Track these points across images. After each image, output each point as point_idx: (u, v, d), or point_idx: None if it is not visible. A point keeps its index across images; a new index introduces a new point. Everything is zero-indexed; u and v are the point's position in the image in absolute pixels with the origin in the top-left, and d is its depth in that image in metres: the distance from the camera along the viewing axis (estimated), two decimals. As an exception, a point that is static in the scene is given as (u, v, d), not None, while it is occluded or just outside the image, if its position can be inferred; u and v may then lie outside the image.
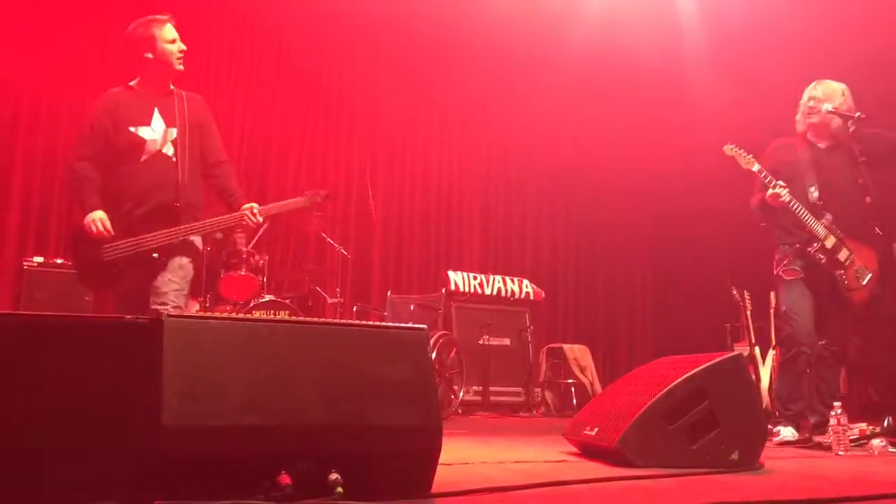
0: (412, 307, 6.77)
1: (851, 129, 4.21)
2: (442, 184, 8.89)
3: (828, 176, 4.36)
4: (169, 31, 3.76)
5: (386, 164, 8.41)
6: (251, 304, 5.75)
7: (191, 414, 1.75)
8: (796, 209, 4.23)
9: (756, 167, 4.29)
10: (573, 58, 8.66)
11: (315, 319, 2.80)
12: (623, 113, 9.18)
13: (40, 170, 6.54)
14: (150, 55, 3.71)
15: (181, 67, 3.78)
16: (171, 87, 3.83)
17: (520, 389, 7.14)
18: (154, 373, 1.75)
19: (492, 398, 6.93)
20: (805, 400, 4.32)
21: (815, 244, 4.28)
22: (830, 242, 4.28)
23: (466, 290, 7.14)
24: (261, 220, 3.84)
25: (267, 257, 6.32)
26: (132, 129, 3.68)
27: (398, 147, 8.61)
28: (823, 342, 4.36)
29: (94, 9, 6.94)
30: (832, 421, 3.66)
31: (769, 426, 3.90)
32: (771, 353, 6.24)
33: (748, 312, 6.54)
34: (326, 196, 4.30)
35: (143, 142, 3.68)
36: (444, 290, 7.01)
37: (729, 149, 4.38)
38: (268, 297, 5.88)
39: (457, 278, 7.13)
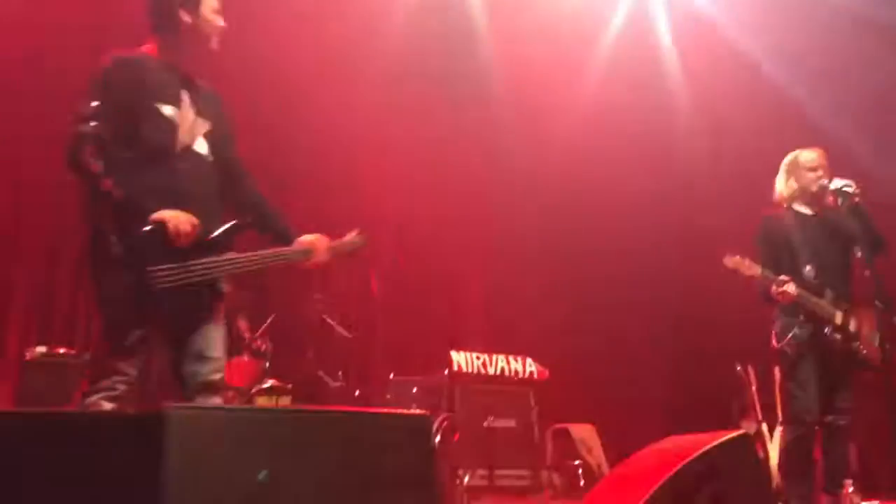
0: (415, 389, 6.70)
1: (844, 204, 4.22)
2: (443, 262, 8.93)
3: (821, 249, 4.36)
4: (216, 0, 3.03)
5: (386, 244, 8.46)
6: (253, 390, 5.72)
7: (192, 510, 1.73)
8: (803, 299, 4.20)
9: (760, 271, 4.25)
10: (573, 132, 8.87)
11: (317, 408, 2.79)
12: (622, 186, 9.33)
13: (43, 259, 6.58)
14: (188, 18, 2.93)
15: (217, 47, 3.02)
16: (186, 69, 3.01)
17: (526, 472, 7.00)
18: (156, 468, 1.74)
19: (498, 482, 6.78)
20: (814, 478, 4.23)
21: (827, 327, 4.23)
22: (839, 318, 4.24)
23: (470, 370, 7.09)
24: (327, 258, 3.23)
25: (270, 342, 6.32)
26: (159, 105, 2.81)
27: (402, 227, 8.68)
28: (830, 418, 4.29)
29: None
30: (845, 500, 3.59)
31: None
32: (778, 430, 6.14)
33: (753, 388, 6.48)
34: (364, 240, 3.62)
35: (175, 126, 2.83)
36: (446, 371, 6.96)
37: (729, 260, 4.30)
38: (269, 383, 5.85)
39: (459, 359, 7.09)
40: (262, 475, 1.76)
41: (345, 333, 6.93)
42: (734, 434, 3.12)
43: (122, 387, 2.73)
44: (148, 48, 2.96)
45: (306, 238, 3.11)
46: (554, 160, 9.35)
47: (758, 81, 7.90)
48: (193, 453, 1.78)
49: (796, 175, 4.46)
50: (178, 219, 2.64)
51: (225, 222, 2.88)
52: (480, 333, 8.90)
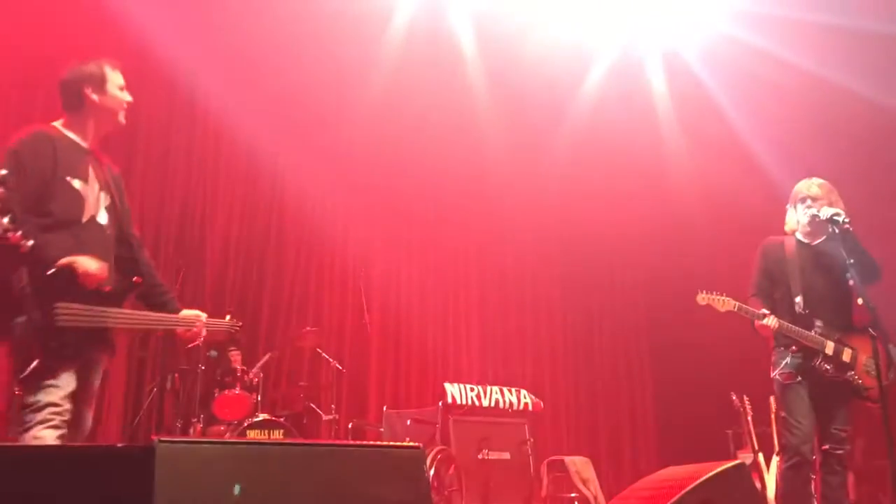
0: (408, 422, 6.65)
1: (835, 232, 4.25)
2: (437, 294, 8.92)
3: (814, 279, 4.36)
4: (120, 78, 3.28)
5: (380, 277, 8.45)
6: (245, 424, 5.67)
7: (181, 545, 1.71)
8: (787, 330, 4.21)
9: (735, 305, 4.26)
10: (560, 168, 8.95)
11: (308, 441, 2.76)
12: (615, 226, 9.39)
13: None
14: (95, 96, 3.16)
15: (123, 121, 3.28)
16: (92, 147, 3.23)
17: (522, 505, 6.93)
18: (145, 501, 1.71)
19: (493, 515, 6.72)
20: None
21: (816, 358, 4.23)
22: (830, 349, 4.22)
23: (464, 402, 7.03)
24: (204, 334, 3.38)
25: (262, 374, 6.28)
26: (69, 179, 3.00)
27: (393, 259, 8.69)
28: (827, 446, 4.26)
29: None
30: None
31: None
32: (775, 460, 6.12)
33: (749, 418, 6.46)
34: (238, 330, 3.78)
35: (82, 199, 3.02)
36: (440, 404, 6.91)
37: (702, 298, 4.34)
38: (262, 416, 5.80)
39: (454, 390, 7.04)
40: (237, 490, 1.75)
41: (338, 366, 6.90)
42: (730, 464, 3.11)
43: (56, 418, 2.87)
44: (62, 123, 3.16)
45: (188, 313, 3.34)
46: (547, 193, 9.42)
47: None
48: (183, 486, 1.76)
49: (794, 206, 4.51)
50: (86, 260, 2.85)
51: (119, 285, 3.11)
52: (475, 366, 8.87)
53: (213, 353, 6.34)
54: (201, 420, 5.94)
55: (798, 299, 4.30)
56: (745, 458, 6.21)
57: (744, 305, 4.27)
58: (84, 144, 3.15)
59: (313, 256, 8.16)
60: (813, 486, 4.26)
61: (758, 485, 6.02)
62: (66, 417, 2.90)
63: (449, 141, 8.98)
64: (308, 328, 6.95)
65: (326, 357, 6.85)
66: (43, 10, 6.67)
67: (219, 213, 7.62)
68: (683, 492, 2.93)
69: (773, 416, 6.21)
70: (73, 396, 2.93)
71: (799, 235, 4.52)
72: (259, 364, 6.50)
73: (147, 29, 6.86)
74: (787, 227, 4.58)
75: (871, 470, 7.07)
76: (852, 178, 5.15)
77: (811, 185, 4.46)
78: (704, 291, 4.36)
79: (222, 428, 5.84)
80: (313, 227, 8.21)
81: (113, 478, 1.79)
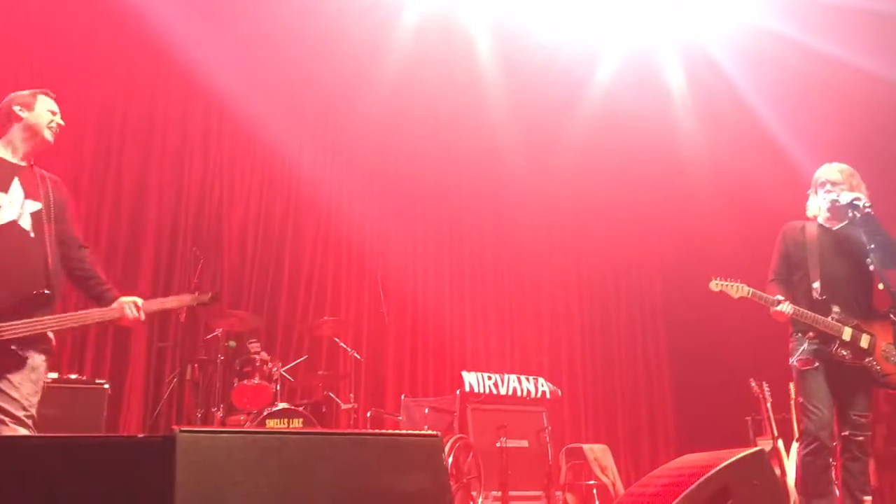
0: (426, 410, 6.67)
1: (856, 216, 4.21)
2: (453, 284, 8.93)
3: (834, 264, 4.32)
4: (52, 104, 3.56)
5: (397, 266, 8.46)
6: (264, 413, 5.70)
7: (203, 533, 1.72)
8: (802, 316, 4.19)
9: (749, 292, 4.23)
10: (574, 154, 8.91)
11: (327, 430, 2.77)
12: (630, 214, 9.35)
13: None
14: (23, 113, 3.47)
15: (51, 139, 3.52)
16: (33, 164, 3.50)
17: (540, 493, 6.94)
18: (166, 492, 1.73)
19: (512, 503, 6.73)
20: (833, 495, 4.17)
21: (833, 343, 4.20)
22: (848, 335, 4.18)
23: (481, 390, 7.04)
24: (143, 316, 3.51)
25: (280, 364, 6.32)
26: None
27: (409, 248, 8.70)
28: (847, 432, 4.23)
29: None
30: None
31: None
32: (795, 446, 6.08)
33: (768, 404, 6.42)
34: (213, 298, 3.90)
35: None
36: (458, 392, 6.92)
37: (715, 284, 4.31)
38: (281, 406, 5.84)
39: (471, 379, 7.05)
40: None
41: (356, 355, 6.93)
42: (749, 451, 3.09)
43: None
44: None
45: (123, 300, 3.52)
46: (562, 180, 9.39)
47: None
48: (204, 475, 1.77)
49: (815, 192, 4.47)
50: None
51: (62, 288, 3.47)
52: (492, 354, 8.87)
53: (232, 343, 6.39)
54: (221, 410, 5.99)
55: (816, 284, 4.26)
56: (765, 444, 6.18)
57: (758, 292, 4.24)
58: (12, 160, 3.44)
59: (330, 246, 8.18)
60: (833, 473, 4.23)
61: (777, 471, 5.99)
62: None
63: (463, 129, 8.98)
64: (325, 318, 6.97)
65: (344, 346, 6.88)
66: (63, 8, 6.73)
67: (236, 205, 7.66)
68: (702, 479, 2.92)
69: (792, 402, 6.18)
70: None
71: (820, 220, 4.47)
72: (292, 364, 6.62)
73: (163, 22, 6.90)
74: (809, 213, 4.53)
75: (892, 456, 7.03)
76: (874, 163, 5.08)
77: (831, 170, 4.42)
78: (718, 278, 4.33)
79: (242, 417, 5.88)
80: (329, 217, 8.24)
81: (134, 468, 1.81)
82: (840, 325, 4.18)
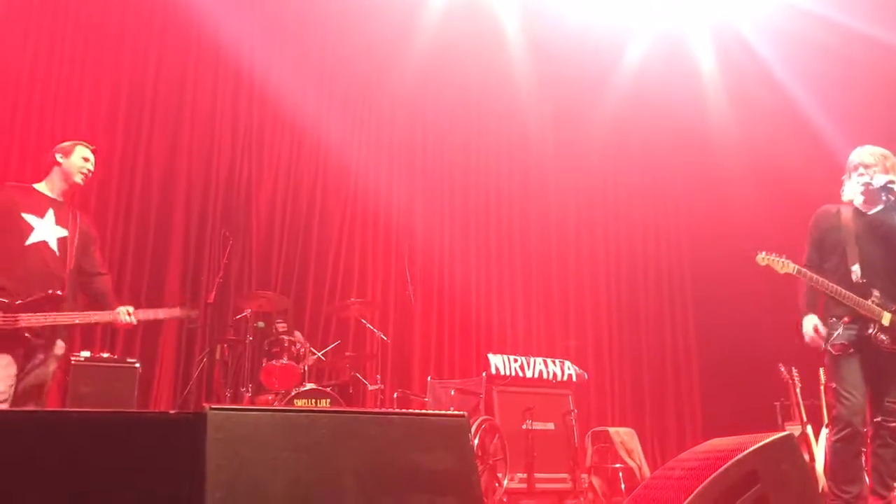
0: (452, 392, 6.69)
1: (890, 200, 4.14)
2: (480, 266, 8.92)
3: (871, 248, 4.25)
4: (87, 153, 4.29)
5: (423, 248, 8.47)
6: (292, 393, 5.76)
7: (233, 509, 1.75)
8: (845, 298, 4.13)
9: (794, 269, 4.19)
10: (603, 134, 8.83)
11: (354, 409, 2.79)
12: (660, 195, 9.26)
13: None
14: (61, 159, 4.22)
15: (80, 182, 4.25)
16: (66, 201, 4.24)
17: (566, 475, 6.95)
18: (197, 467, 1.76)
19: (537, 485, 6.75)
20: (863, 481, 4.12)
21: (872, 327, 4.14)
22: (887, 319, 4.12)
23: (507, 373, 7.05)
24: (135, 321, 4.20)
25: (308, 345, 6.38)
26: (24, 214, 4.06)
27: (436, 230, 8.70)
28: (879, 418, 4.17)
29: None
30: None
31: (827, 510, 3.73)
32: (824, 432, 6.02)
33: (797, 390, 6.36)
34: (196, 318, 4.91)
35: (31, 228, 4.05)
36: (484, 374, 6.94)
37: (762, 258, 4.25)
38: (309, 386, 5.89)
39: (497, 361, 7.06)
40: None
41: (382, 337, 6.97)
42: (778, 436, 3.05)
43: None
44: (36, 184, 4.25)
45: (121, 308, 4.22)
46: (590, 161, 9.32)
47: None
48: (233, 451, 1.80)
49: (849, 176, 4.39)
50: None
51: (78, 301, 4.23)
52: (518, 337, 8.87)
53: (261, 324, 6.46)
54: (250, 390, 6.06)
55: (855, 268, 4.19)
56: (793, 429, 6.12)
57: (803, 269, 4.18)
58: (50, 195, 4.21)
59: (357, 227, 8.20)
60: (863, 460, 4.18)
61: (806, 457, 5.93)
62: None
63: (491, 109, 8.93)
64: (353, 299, 7.01)
65: (371, 328, 6.91)
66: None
67: (264, 186, 7.70)
68: (729, 462, 2.90)
69: (822, 388, 6.11)
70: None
71: (856, 204, 4.40)
72: (327, 349, 6.68)
73: (194, 2, 6.94)
74: (844, 198, 4.45)
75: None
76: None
77: (864, 153, 4.34)
78: (764, 252, 4.27)
79: (270, 397, 5.94)
80: (357, 198, 8.25)
81: (166, 443, 1.83)
82: (880, 309, 4.12)
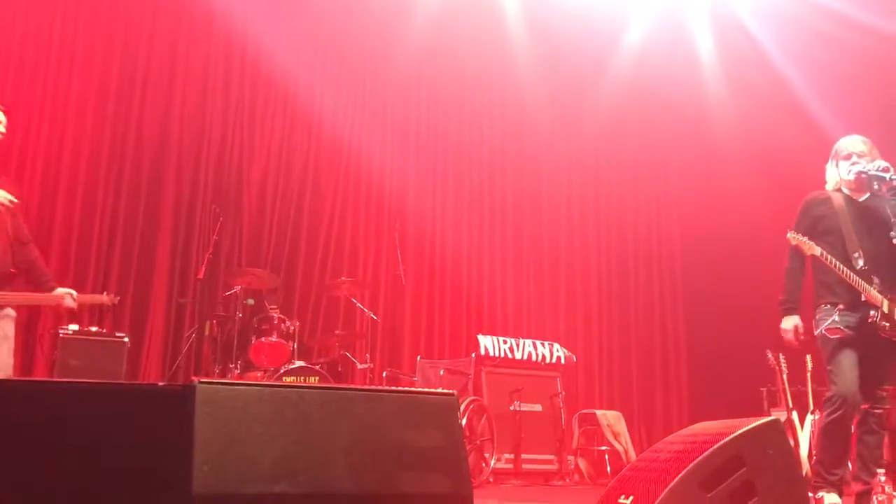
0: (442, 372, 6.71)
1: (881, 189, 4.15)
2: (472, 247, 8.92)
3: (868, 237, 4.26)
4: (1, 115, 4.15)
5: (415, 228, 8.46)
6: (282, 371, 5.77)
7: (221, 482, 1.75)
8: (854, 281, 4.14)
9: (820, 252, 4.19)
10: (600, 116, 8.81)
11: (344, 386, 2.80)
12: (653, 179, 9.26)
13: (75, 244, 6.70)
14: None
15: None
16: None
17: (552, 457, 7.00)
18: (185, 440, 1.76)
19: (524, 466, 6.79)
20: (846, 466, 4.15)
21: (873, 313, 4.15)
22: (888, 307, 4.15)
23: (496, 354, 7.07)
24: (75, 305, 4.29)
25: (298, 323, 6.37)
26: None
27: (428, 211, 8.68)
28: (868, 405, 4.19)
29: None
30: (877, 489, 3.53)
31: (810, 493, 3.76)
32: (809, 418, 6.08)
33: (784, 376, 6.40)
34: (119, 302, 5.10)
35: None
36: (473, 355, 6.96)
37: (793, 237, 4.25)
38: (298, 363, 5.90)
39: (486, 342, 7.08)
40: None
41: (372, 316, 6.97)
42: (764, 420, 3.07)
43: None
44: None
45: (61, 290, 4.27)
46: (586, 144, 9.30)
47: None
48: (222, 425, 1.79)
49: (836, 163, 4.39)
50: None
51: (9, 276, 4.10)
52: (508, 318, 8.89)
53: (251, 300, 6.44)
54: (238, 366, 6.06)
55: (857, 255, 4.20)
56: (779, 415, 6.16)
57: (825, 252, 4.18)
58: None
59: (348, 206, 8.17)
60: (849, 444, 4.21)
61: (791, 443, 5.98)
62: None
63: (488, 90, 8.89)
64: (343, 278, 7.00)
65: (361, 307, 6.91)
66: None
67: (256, 163, 7.66)
68: (716, 446, 2.91)
69: (808, 374, 6.15)
70: None
71: (846, 191, 4.40)
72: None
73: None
74: (829, 186, 4.46)
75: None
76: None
77: (855, 142, 4.34)
78: (792, 231, 4.27)
79: (259, 374, 5.95)
80: (349, 176, 8.22)
81: (154, 415, 1.83)
82: (881, 296, 4.13)
